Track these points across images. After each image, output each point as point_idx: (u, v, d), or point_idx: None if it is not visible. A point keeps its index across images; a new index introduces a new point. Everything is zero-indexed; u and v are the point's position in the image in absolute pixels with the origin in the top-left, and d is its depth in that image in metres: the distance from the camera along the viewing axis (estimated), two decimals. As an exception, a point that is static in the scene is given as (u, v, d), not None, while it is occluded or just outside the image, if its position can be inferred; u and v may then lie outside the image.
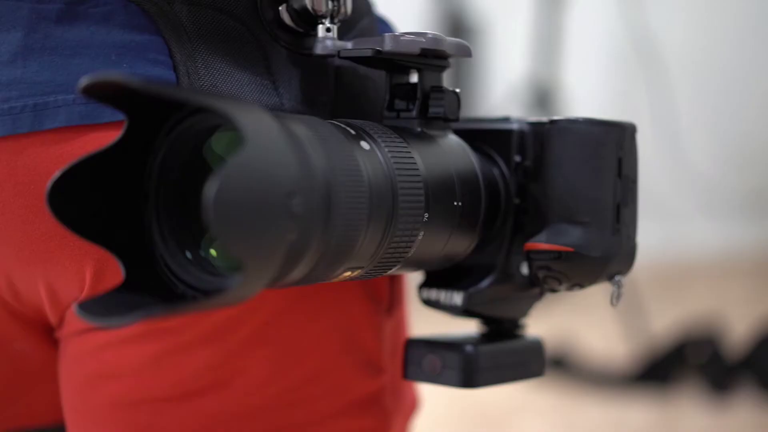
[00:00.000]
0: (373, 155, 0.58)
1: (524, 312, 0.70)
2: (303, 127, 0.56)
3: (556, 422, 2.19)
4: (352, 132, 0.59)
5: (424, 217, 0.60)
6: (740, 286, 3.28)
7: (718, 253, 3.59)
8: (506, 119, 0.68)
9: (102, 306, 0.53)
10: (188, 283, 0.56)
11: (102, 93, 0.53)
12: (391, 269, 0.62)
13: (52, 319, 0.67)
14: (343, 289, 0.68)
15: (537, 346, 0.70)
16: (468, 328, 0.71)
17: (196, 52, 0.62)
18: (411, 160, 0.60)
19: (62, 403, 0.71)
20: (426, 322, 0.81)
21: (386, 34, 0.62)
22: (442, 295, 0.68)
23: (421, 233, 0.61)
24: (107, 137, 0.60)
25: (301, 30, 0.64)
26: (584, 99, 3.21)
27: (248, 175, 0.49)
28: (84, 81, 0.52)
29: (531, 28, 3.00)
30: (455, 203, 0.63)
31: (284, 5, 0.64)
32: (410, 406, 0.77)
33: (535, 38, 2.99)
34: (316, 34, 0.64)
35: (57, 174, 0.54)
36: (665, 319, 2.24)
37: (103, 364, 0.67)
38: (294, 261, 0.53)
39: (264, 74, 0.64)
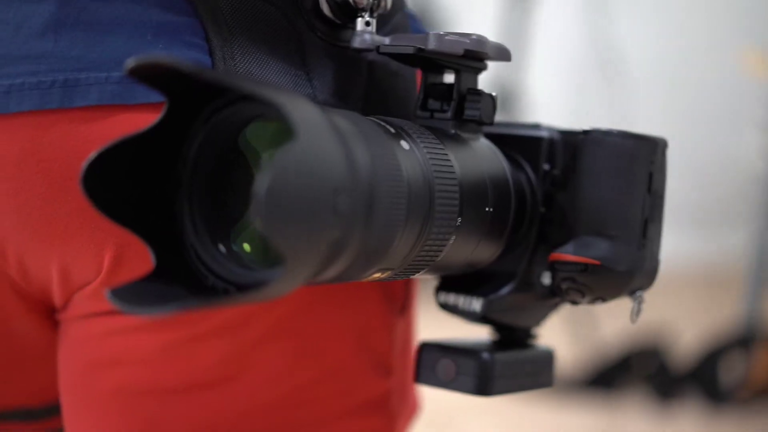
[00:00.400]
0: (412, 155, 0.57)
1: (538, 322, 0.69)
2: (346, 122, 0.54)
3: (502, 423, 2.20)
4: (392, 130, 0.58)
5: (457, 221, 0.59)
6: (688, 297, 3.31)
7: (667, 264, 3.61)
8: (536, 126, 0.67)
9: (133, 293, 0.52)
10: (219, 275, 0.54)
11: (144, 73, 0.51)
12: (418, 273, 0.61)
13: (58, 300, 0.65)
14: (361, 287, 0.67)
15: (548, 357, 0.69)
16: (478, 333, 0.70)
17: (233, 38, 0.60)
18: (448, 163, 0.59)
19: (60, 387, 0.69)
20: (427, 326, 0.80)
21: (430, 32, 0.60)
22: (461, 301, 0.67)
23: (453, 238, 0.59)
24: (139, 119, 0.58)
25: (338, 22, 0.63)
26: (546, 103, 3.22)
27: (298, 170, 0.48)
28: (131, 62, 0.50)
29: (496, 31, 3.00)
30: (487, 209, 0.62)
31: None
32: (412, 409, 0.76)
33: (500, 41, 2.98)
34: (353, 27, 0.62)
35: (93, 155, 0.52)
36: (614, 326, 2.25)
37: (109, 351, 0.65)
38: (332, 259, 0.52)
39: (299, 65, 0.62)
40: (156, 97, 0.58)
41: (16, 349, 0.70)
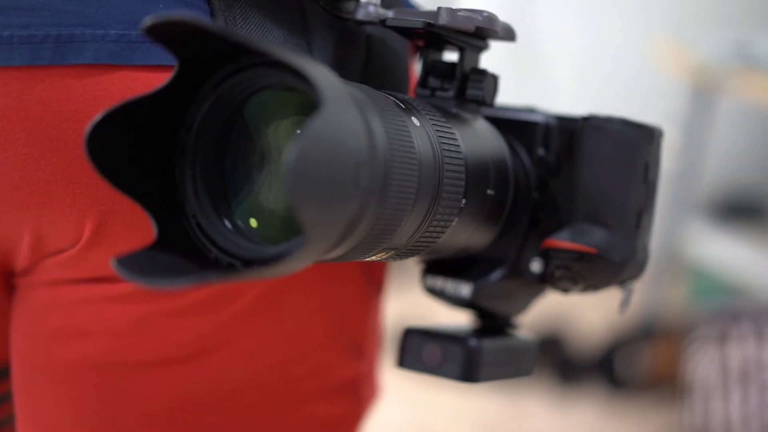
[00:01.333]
0: (422, 132, 0.55)
1: (522, 310, 0.68)
2: (361, 94, 0.52)
3: (408, 407, 2.20)
4: (402, 105, 0.56)
5: (461, 202, 0.58)
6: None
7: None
8: (531, 110, 0.65)
9: (138, 264, 0.49)
10: (222, 248, 0.52)
11: (160, 33, 0.49)
12: (417, 255, 0.59)
13: (22, 264, 0.61)
14: (346, 267, 0.65)
15: (531, 346, 0.68)
16: (458, 320, 0.69)
17: (234, 2, 0.58)
18: (455, 142, 0.57)
19: (14, 354, 0.65)
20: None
21: (441, 7, 0.58)
22: (449, 285, 0.65)
23: (456, 219, 0.58)
24: (136, 80, 0.56)
25: None
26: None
27: (326, 141, 0.46)
28: (150, 19, 0.47)
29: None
30: (488, 191, 0.60)
31: None
32: (374, 395, 0.74)
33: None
34: None
35: (99, 117, 0.49)
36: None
37: (78, 320, 0.62)
38: (346, 236, 0.50)
39: (300, 34, 0.60)
40: (154, 58, 0.56)
41: None
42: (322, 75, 0.47)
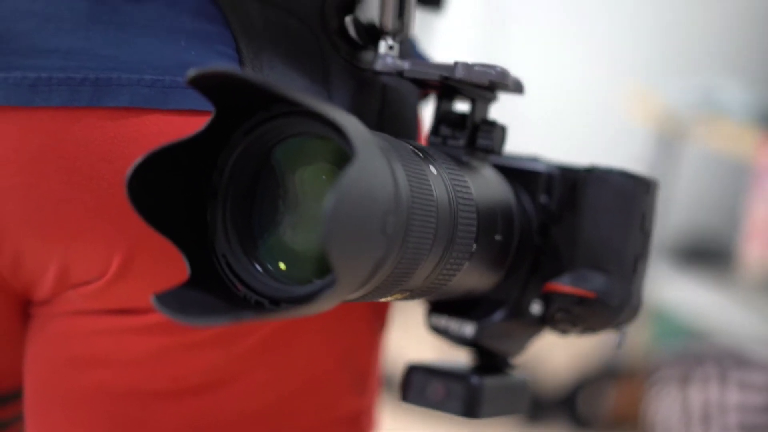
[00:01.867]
0: (439, 180, 0.58)
1: (519, 350, 0.71)
2: (385, 144, 0.55)
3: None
4: (420, 154, 0.59)
5: (473, 247, 0.61)
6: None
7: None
8: (534, 159, 0.69)
9: (175, 301, 0.52)
10: (251, 287, 0.55)
11: (202, 82, 0.51)
12: (428, 296, 0.62)
13: (44, 295, 0.64)
14: (355, 303, 0.68)
15: (526, 385, 0.71)
16: (456, 357, 0.71)
17: (261, 51, 0.61)
18: (468, 190, 0.61)
19: (29, 382, 0.67)
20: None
21: (458, 61, 0.62)
22: (453, 324, 0.68)
23: (467, 263, 0.61)
24: (170, 124, 0.59)
25: (361, 43, 0.64)
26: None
27: (358, 191, 0.49)
28: (194, 72, 0.50)
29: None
30: (496, 237, 0.63)
31: (350, 16, 0.63)
32: (373, 429, 0.77)
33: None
34: (375, 50, 0.63)
35: (139, 160, 0.52)
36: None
37: (96, 349, 0.64)
38: (370, 278, 0.53)
39: (321, 82, 0.63)
40: (187, 103, 0.59)
41: None
42: (353, 126, 0.50)
